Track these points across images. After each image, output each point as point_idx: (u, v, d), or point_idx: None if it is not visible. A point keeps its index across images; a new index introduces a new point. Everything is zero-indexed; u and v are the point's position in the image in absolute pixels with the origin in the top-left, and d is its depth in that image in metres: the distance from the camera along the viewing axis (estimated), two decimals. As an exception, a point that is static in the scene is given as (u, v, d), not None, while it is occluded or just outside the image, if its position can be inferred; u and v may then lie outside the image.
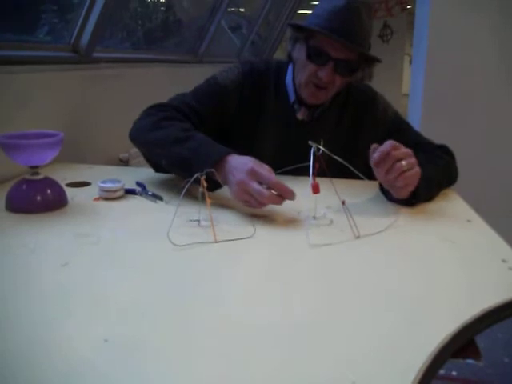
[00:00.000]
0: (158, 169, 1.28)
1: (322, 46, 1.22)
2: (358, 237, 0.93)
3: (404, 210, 1.09)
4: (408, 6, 7.56)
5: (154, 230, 0.94)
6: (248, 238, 0.91)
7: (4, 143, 1.00)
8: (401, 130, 1.38)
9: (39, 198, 1.04)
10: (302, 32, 1.26)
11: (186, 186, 0.93)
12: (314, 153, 0.91)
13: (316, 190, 0.94)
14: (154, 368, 0.54)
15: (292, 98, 1.35)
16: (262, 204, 0.97)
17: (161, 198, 1.12)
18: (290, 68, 1.37)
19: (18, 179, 1.08)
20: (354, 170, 1.01)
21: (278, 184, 0.96)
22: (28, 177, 1.06)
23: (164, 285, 0.74)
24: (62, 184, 1.13)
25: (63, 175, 1.28)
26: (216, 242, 0.89)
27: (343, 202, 0.93)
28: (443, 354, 0.59)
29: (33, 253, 0.83)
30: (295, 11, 6.39)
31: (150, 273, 0.78)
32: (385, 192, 1.14)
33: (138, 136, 1.23)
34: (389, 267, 0.83)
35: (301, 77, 1.29)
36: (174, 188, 1.18)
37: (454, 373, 1.91)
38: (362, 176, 1.04)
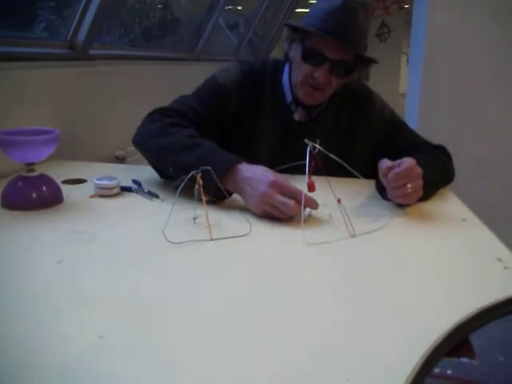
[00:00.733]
0: (163, 175, 1.25)
1: (317, 47, 1.21)
2: (353, 235, 0.93)
3: (400, 208, 1.09)
4: (405, 5, 7.57)
5: (149, 228, 0.94)
6: (244, 235, 0.91)
7: (0, 140, 1.00)
8: (398, 130, 1.39)
9: (35, 195, 1.03)
10: (297, 32, 1.26)
11: (182, 184, 0.93)
12: (310, 151, 0.92)
13: (311, 188, 0.94)
14: (150, 366, 0.54)
15: (289, 97, 1.35)
16: (286, 215, 0.98)
17: (157, 196, 1.12)
18: (287, 68, 1.36)
19: (13, 176, 1.08)
20: (350, 169, 1.01)
21: (302, 194, 0.96)
22: (24, 174, 1.06)
23: (159, 282, 0.74)
24: (58, 181, 1.13)
25: (59, 172, 1.27)
26: (212, 239, 0.89)
27: (339, 201, 0.93)
28: (437, 353, 0.60)
29: (28, 250, 0.83)
30: (293, 10, 6.38)
31: (146, 270, 0.78)
32: (381, 191, 1.14)
33: (142, 142, 1.21)
34: (384, 265, 0.83)
35: (297, 77, 1.29)
36: (169, 186, 1.18)
37: (449, 371, 1.92)
38: (358, 175, 1.04)
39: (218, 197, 1.04)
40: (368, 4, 1.25)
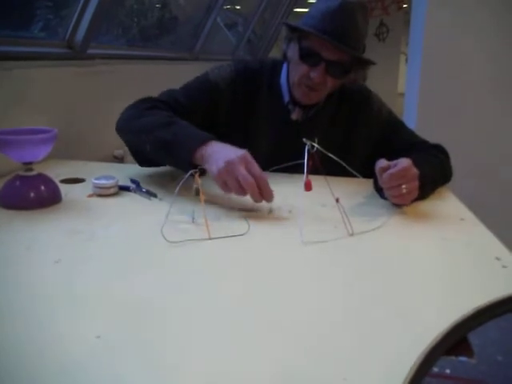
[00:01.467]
0: (142, 162, 1.26)
1: (314, 47, 1.21)
2: (351, 234, 0.93)
3: (398, 207, 1.09)
4: (404, 5, 7.57)
5: (147, 227, 0.94)
6: (242, 235, 0.91)
7: (-3, 139, 0.99)
8: (395, 130, 1.39)
9: (33, 195, 1.03)
10: (295, 32, 1.26)
11: (181, 183, 0.92)
12: (308, 150, 0.91)
13: (308, 187, 0.94)
14: (147, 366, 0.53)
15: (286, 97, 1.34)
16: (242, 190, 0.97)
17: (155, 195, 1.12)
18: (285, 67, 1.36)
19: (11, 175, 1.08)
20: (348, 168, 1.01)
21: (265, 181, 0.97)
22: (21, 173, 1.05)
23: (157, 281, 0.74)
24: (56, 180, 1.13)
25: (57, 171, 1.27)
26: (210, 238, 0.89)
27: (337, 200, 0.93)
28: (436, 352, 0.59)
29: (26, 249, 0.83)
30: (291, 9, 6.38)
31: (144, 269, 0.78)
32: (379, 190, 1.14)
33: (123, 125, 1.23)
34: (382, 265, 0.83)
35: (294, 77, 1.28)
36: (167, 185, 1.18)
37: (447, 371, 1.92)
38: (356, 174, 1.04)
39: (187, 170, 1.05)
40: (367, 4, 1.25)
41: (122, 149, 1.99)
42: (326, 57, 1.20)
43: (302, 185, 0.94)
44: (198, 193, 0.96)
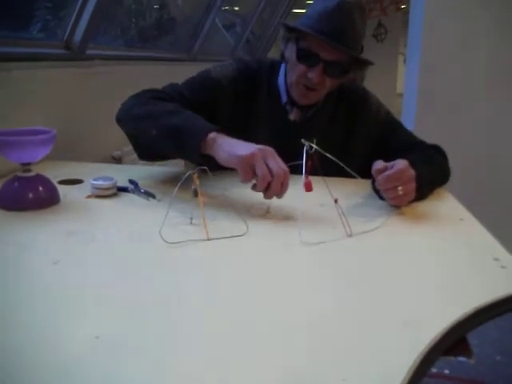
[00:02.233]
0: (142, 154, 1.25)
1: (312, 48, 1.21)
2: (350, 235, 0.93)
3: (396, 208, 1.09)
4: (402, 6, 7.57)
5: (146, 228, 0.94)
6: (240, 235, 0.91)
7: (-5, 140, 0.99)
8: (393, 131, 1.39)
9: (31, 196, 1.03)
10: (293, 32, 1.26)
11: (179, 184, 0.92)
12: (306, 151, 0.91)
13: (308, 188, 0.94)
14: (146, 366, 0.53)
15: (284, 97, 1.34)
16: (266, 179, 0.95)
17: (153, 196, 1.12)
18: (283, 68, 1.36)
19: (9, 176, 1.07)
20: (347, 168, 1.01)
21: (288, 177, 0.96)
22: (20, 174, 1.05)
23: (156, 282, 0.74)
24: (54, 181, 1.13)
25: (55, 172, 1.27)
26: (208, 239, 0.89)
27: (336, 201, 0.93)
28: (434, 353, 0.59)
29: (24, 250, 0.83)
30: (290, 10, 6.38)
31: (142, 270, 0.78)
32: (377, 191, 1.14)
33: (126, 113, 1.21)
34: (380, 265, 0.83)
35: (291, 77, 1.28)
36: (166, 186, 1.17)
37: (446, 371, 1.92)
38: (354, 174, 1.04)
39: (196, 161, 1.04)
40: (365, 5, 1.25)
41: (120, 150, 1.99)
42: (324, 57, 1.20)
43: (300, 185, 0.94)
44: (196, 194, 0.96)
